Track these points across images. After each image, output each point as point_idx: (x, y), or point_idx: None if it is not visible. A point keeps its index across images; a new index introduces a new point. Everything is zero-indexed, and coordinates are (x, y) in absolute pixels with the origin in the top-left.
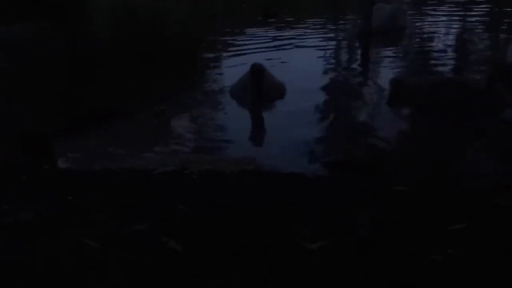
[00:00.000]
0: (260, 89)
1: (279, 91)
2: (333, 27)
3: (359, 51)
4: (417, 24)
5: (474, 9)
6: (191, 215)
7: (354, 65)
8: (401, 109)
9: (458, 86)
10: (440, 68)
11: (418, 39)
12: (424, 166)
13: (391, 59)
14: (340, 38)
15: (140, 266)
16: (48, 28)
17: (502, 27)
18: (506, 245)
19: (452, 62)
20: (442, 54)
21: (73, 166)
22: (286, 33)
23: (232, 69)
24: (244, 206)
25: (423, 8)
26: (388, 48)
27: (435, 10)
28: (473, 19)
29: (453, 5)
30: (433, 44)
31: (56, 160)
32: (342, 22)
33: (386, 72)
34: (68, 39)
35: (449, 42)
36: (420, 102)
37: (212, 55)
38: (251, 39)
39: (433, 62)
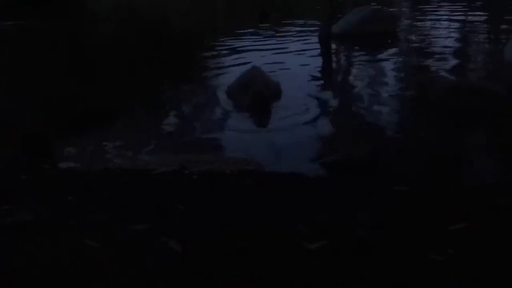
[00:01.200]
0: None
1: (275, 91)
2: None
3: (332, 54)
4: (408, 27)
5: (470, 12)
6: (191, 215)
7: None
8: (423, 110)
9: (475, 91)
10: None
11: (396, 43)
12: (424, 166)
13: (348, 62)
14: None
15: (140, 266)
16: (48, 27)
17: (480, 31)
18: (506, 245)
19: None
20: (419, 59)
21: (73, 166)
22: (280, 34)
23: (231, 69)
24: (244, 206)
25: (422, 9)
26: (352, 51)
27: (432, 12)
28: (466, 22)
29: (452, 8)
30: (412, 48)
31: (56, 160)
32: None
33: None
34: (69, 38)
35: (434, 47)
36: (437, 105)
37: (211, 55)
38: (249, 40)
39: (400, 67)
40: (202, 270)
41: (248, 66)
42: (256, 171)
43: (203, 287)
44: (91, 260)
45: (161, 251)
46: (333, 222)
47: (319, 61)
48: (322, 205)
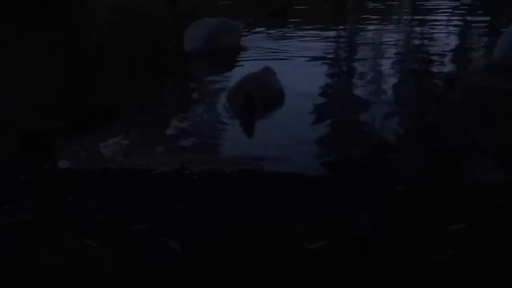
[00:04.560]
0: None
1: (273, 94)
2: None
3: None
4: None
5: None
6: (191, 215)
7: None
8: (422, 110)
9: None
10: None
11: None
12: (424, 166)
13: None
14: None
15: (140, 266)
16: (47, 27)
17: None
18: (506, 245)
19: None
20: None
21: (73, 166)
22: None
23: (233, 70)
24: (244, 206)
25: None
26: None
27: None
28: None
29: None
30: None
31: (56, 160)
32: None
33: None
34: (69, 38)
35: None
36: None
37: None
38: (251, 41)
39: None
40: (202, 270)
41: (247, 68)
42: (256, 171)
43: (203, 287)
44: (91, 260)
45: (161, 251)
46: (333, 222)
47: (328, 66)
48: (322, 205)
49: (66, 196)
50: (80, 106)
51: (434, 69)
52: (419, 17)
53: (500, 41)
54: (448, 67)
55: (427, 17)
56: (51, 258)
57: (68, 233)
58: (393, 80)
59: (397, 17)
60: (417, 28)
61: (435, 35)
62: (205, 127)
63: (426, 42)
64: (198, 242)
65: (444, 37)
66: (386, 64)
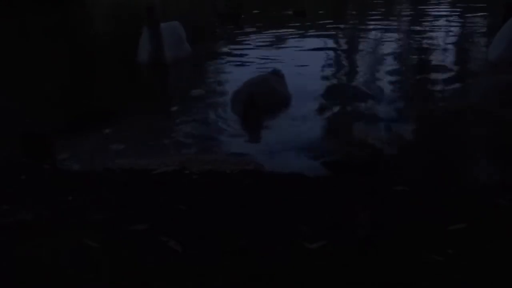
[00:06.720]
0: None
1: (280, 99)
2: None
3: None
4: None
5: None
6: (191, 215)
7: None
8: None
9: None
10: None
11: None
12: (424, 166)
13: None
14: None
15: (140, 266)
16: (47, 27)
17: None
18: (506, 245)
19: None
20: None
21: (73, 166)
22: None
23: (235, 71)
24: (244, 206)
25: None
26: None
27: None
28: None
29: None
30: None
31: (56, 160)
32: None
33: None
34: (68, 38)
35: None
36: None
37: (212, 56)
38: (254, 42)
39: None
40: (202, 270)
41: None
42: (256, 171)
43: (203, 287)
44: (91, 260)
45: (161, 251)
46: (333, 222)
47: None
48: (322, 205)
49: (66, 196)
50: (80, 106)
51: (433, 68)
52: (418, 19)
53: (494, 40)
54: (446, 67)
55: (426, 17)
56: (51, 258)
57: (68, 233)
58: (393, 82)
59: (396, 17)
60: (416, 28)
61: (434, 34)
62: (206, 128)
63: (424, 41)
64: (198, 242)
65: (442, 36)
66: (385, 65)
